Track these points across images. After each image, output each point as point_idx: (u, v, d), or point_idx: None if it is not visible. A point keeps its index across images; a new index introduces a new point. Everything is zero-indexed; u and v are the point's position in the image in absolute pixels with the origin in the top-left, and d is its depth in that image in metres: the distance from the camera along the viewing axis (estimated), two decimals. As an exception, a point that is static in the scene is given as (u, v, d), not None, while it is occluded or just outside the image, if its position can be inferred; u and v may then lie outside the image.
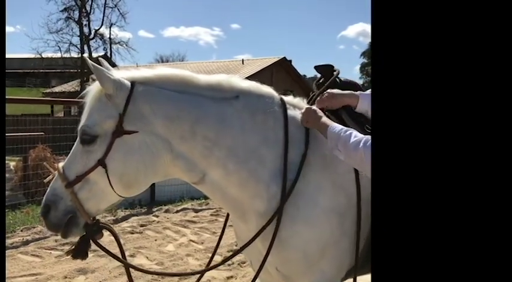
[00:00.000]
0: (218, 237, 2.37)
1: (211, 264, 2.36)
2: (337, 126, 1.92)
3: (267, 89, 2.15)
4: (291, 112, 2.12)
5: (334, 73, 2.35)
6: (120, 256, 2.07)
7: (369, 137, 1.77)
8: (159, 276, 4.49)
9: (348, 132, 1.85)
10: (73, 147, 1.95)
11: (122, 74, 1.95)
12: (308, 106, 2.14)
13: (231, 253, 5.04)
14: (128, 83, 1.91)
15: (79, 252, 1.97)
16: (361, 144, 1.76)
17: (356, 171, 2.05)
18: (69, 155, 1.95)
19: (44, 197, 1.93)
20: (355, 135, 1.83)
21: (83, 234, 1.96)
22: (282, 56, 25.80)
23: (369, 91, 2.23)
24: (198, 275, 2.30)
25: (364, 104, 2.15)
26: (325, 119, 2.00)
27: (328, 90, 2.20)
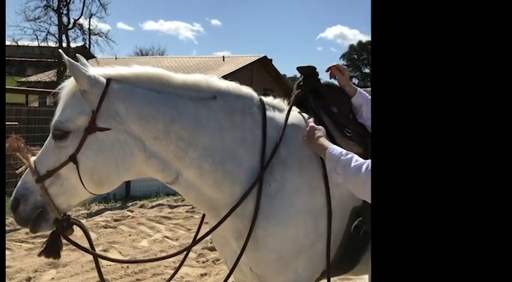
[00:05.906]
0: (194, 234, 2.35)
1: (184, 262, 2.35)
2: (337, 149, 1.89)
3: (247, 90, 2.14)
4: (270, 113, 2.12)
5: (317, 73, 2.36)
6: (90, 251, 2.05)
7: (370, 161, 1.73)
8: (132, 272, 4.47)
9: (348, 156, 1.82)
10: (45, 142, 1.93)
11: (98, 70, 1.93)
12: (312, 124, 2.09)
13: (206, 251, 5.10)
14: (103, 80, 1.88)
15: (51, 251, 1.95)
16: (363, 169, 1.72)
17: (326, 176, 2.05)
18: (42, 149, 1.93)
19: (15, 190, 1.90)
20: (356, 159, 1.79)
21: (53, 229, 1.93)
22: (263, 55, 25.81)
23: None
24: (172, 272, 2.29)
25: (359, 97, 2.28)
26: (324, 139, 1.99)
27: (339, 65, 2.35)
